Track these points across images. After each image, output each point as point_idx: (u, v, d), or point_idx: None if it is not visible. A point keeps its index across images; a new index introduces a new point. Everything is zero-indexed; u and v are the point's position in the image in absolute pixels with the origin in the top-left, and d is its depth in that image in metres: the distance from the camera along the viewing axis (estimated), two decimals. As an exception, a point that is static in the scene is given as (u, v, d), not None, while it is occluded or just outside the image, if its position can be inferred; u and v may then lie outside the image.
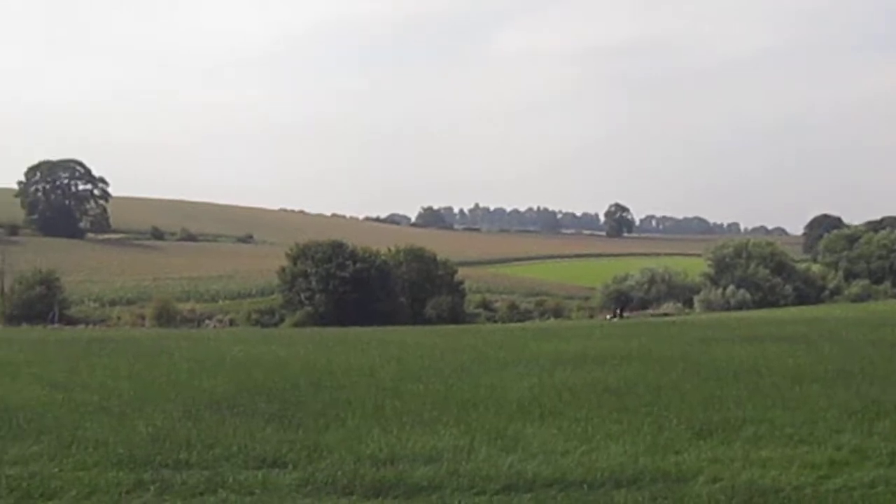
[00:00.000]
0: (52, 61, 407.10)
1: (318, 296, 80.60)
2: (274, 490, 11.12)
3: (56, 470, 11.93)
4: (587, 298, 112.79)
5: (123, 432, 14.65)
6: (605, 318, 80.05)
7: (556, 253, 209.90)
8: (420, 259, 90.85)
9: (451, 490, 11.15)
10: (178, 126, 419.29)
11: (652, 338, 37.26)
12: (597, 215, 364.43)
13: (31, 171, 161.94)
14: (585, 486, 11.31)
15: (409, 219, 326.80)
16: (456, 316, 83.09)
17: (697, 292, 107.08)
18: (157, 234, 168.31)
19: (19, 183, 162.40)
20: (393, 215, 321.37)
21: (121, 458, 12.62)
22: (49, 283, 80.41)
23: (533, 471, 11.91)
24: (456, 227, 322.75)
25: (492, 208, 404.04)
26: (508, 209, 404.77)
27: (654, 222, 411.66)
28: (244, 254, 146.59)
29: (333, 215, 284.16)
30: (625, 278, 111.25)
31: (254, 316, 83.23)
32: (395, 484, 11.33)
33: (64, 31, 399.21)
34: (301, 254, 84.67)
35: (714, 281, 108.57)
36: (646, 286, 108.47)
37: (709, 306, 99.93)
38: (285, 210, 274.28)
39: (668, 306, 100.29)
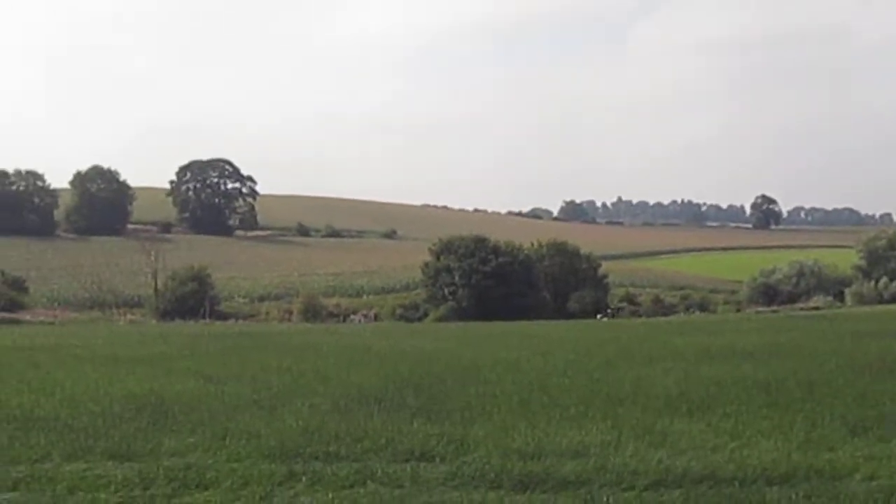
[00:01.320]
0: (205, 62, 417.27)
1: (461, 290, 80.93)
2: (422, 483, 11.17)
3: (210, 461, 12.22)
4: (733, 292, 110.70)
5: (274, 425, 14.93)
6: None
7: (700, 246, 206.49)
8: (563, 253, 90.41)
9: (599, 485, 11.04)
10: (323, 124, 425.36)
11: (802, 332, 36.42)
12: (742, 207, 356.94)
13: (183, 170, 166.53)
14: (737, 482, 11.07)
15: (551, 213, 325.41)
16: (599, 310, 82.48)
17: (849, 285, 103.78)
18: (303, 231, 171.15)
19: (171, 182, 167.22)
20: (535, 209, 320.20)
21: (272, 450, 12.85)
22: (200, 280, 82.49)
23: (683, 467, 11.71)
24: (598, 220, 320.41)
25: (634, 201, 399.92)
26: (651, 202, 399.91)
27: (802, 214, 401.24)
28: (388, 249, 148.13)
29: (476, 210, 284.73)
30: (772, 271, 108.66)
31: (398, 311, 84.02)
32: (542, 478, 11.27)
33: (210, 31, 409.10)
34: (444, 249, 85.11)
35: (866, 273, 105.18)
36: (794, 279, 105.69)
37: (861, 300, 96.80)
38: (428, 206, 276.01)
39: (817, 300, 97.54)
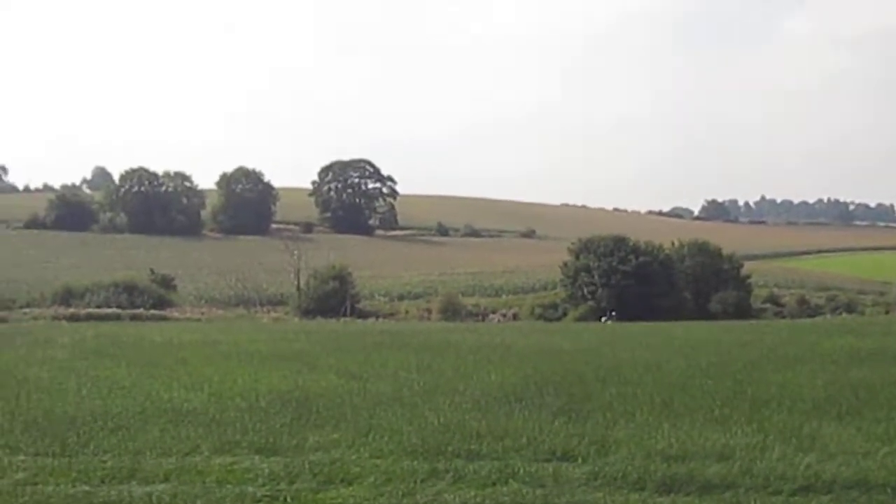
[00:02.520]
0: (348, 64, 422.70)
1: (600, 290, 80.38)
2: (564, 483, 11.13)
3: (354, 457, 12.38)
4: (882, 294, 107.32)
5: (416, 422, 15.04)
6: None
7: (848, 246, 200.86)
8: (704, 253, 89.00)
9: (745, 489, 10.84)
10: (463, 124, 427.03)
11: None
12: (892, 206, 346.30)
13: (324, 171, 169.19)
14: (889, 489, 10.75)
15: (692, 212, 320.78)
16: (742, 311, 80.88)
17: None
18: (443, 231, 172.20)
19: (313, 183, 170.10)
20: (676, 209, 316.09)
21: (415, 447, 12.96)
22: (342, 279, 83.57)
23: (832, 472, 11.41)
24: (741, 219, 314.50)
25: (778, 200, 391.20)
26: (796, 201, 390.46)
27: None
28: (527, 249, 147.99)
29: (615, 209, 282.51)
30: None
31: (537, 310, 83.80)
32: (686, 481, 11.12)
33: (355, 33, 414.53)
34: (583, 248, 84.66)
35: None
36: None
37: None
38: (567, 205, 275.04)
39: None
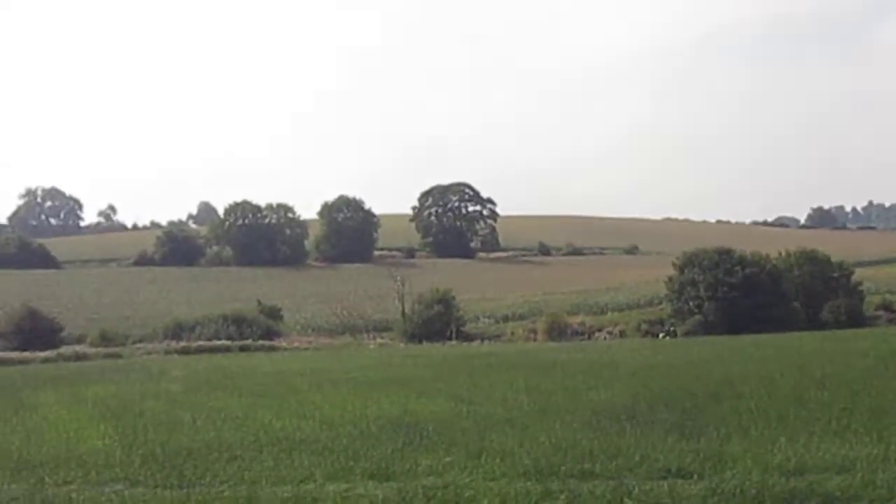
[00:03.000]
0: (445, 88, 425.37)
1: (706, 304, 79.22)
2: (681, 500, 10.97)
3: (468, 480, 12.37)
4: None
5: (528, 443, 14.98)
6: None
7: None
8: (813, 261, 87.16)
9: (868, 501, 10.58)
10: (560, 144, 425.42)
11: None
12: None
13: (424, 196, 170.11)
14: None
15: (798, 221, 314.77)
16: (855, 319, 78.96)
17: None
18: (544, 250, 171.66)
19: (413, 208, 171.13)
20: (781, 218, 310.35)
21: (527, 468, 12.90)
22: (446, 302, 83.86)
23: (959, 481, 11.08)
24: (849, 226, 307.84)
25: (887, 204, 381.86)
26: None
27: None
28: (630, 265, 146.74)
29: (719, 222, 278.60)
30: None
31: (643, 326, 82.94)
32: (806, 495, 10.88)
33: (449, 59, 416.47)
34: (688, 262, 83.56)
35: None
36: None
37: None
38: (670, 219, 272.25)
39: None
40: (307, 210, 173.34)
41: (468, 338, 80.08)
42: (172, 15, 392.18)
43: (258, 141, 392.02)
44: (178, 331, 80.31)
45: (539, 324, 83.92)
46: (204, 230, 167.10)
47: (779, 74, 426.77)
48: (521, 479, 12.33)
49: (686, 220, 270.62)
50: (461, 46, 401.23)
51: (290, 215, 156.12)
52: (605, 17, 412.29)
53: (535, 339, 78.84)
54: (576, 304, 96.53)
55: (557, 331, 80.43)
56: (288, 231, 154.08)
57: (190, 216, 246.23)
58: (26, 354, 71.35)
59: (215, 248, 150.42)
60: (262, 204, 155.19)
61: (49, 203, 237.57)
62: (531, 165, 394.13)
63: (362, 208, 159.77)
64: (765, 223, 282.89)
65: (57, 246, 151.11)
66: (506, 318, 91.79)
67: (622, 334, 79.78)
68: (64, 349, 74.18)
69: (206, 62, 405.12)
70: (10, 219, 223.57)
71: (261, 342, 75.33)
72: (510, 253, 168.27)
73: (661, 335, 73.66)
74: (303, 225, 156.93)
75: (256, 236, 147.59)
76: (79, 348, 75.04)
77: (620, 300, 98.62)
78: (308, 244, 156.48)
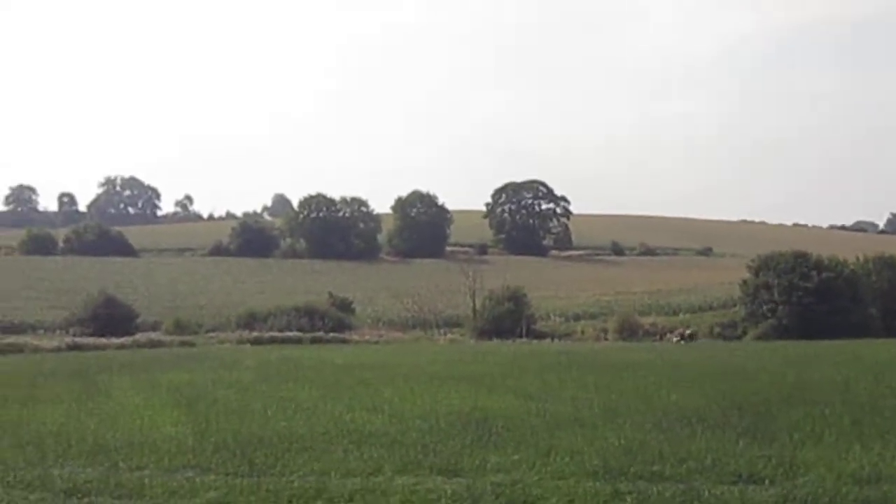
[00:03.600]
0: (517, 84, 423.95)
1: (781, 308, 78.22)
2: (752, 506, 10.87)
3: (536, 478, 12.36)
4: None
5: (597, 443, 14.94)
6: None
7: None
8: (891, 267, 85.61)
9: (945, 512, 10.39)
10: (634, 142, 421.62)
11: None
12: None
13: (498, 192, 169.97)
14: None
15: (877, 226, 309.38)
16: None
17: None
18: (617, 250, 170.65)
19: (486, 204, 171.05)
20: (859, 223, 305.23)
21: (596, 468, 12.86)
22: (517, 299, 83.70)
23: None
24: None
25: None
26: None
27: None
28: (703, 266, 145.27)
29: (795, 225, 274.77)
30: None
31: (715, 329, 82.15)
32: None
33: (523, 53, 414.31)
34: (763, 265, 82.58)
35: None
36: None
37: None
38: (746, 221, 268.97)
39: None
40: (381, 204, 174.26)
41: (538, 335, 79.88)
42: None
43: (335, 134, 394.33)
44: (250, 321, 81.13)
45: (610, 323, 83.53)
46: (278, 222, 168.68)
47: (864, 77, 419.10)
48: (589, 478, 12.29)
49: (762, 223, 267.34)
50: (544, 45, 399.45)
51: (363, 209, 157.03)
52: (686, 13, 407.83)
53: (605, 339, 78.46)
54: (647, 305, 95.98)
55: (628, 331, 79.98)
56: (361, 225, 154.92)
57: (265, 208, 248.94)
58: (102, 340, 72.51)
59: (289, 239, 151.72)
60: (337, 197, 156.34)
61: (127, 192, 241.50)
62: (605, 165, 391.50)
63: (436, 203, 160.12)
64: (842, 228, 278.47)
65: (134, 234, 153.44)
66: (577, 317, 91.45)
67: (693, 336, 79.07)
68: (139, 336, 75.29)
69: (296, 58, 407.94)
70: (90, 207, 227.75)
71: (332, 334, 75.78)
72: (583, 251, 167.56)
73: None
74: (376, 219, 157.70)
75: (330, 229, 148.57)
76: (153, 335, 76.12)
77: (693, 302, 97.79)
78: (381, 238, 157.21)
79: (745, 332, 79.00)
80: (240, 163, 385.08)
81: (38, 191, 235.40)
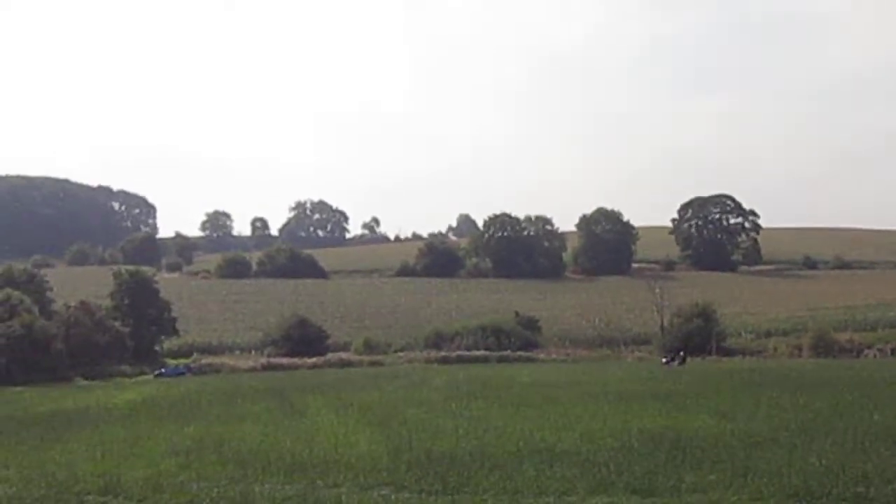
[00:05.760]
0: (706, 99, 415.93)
1: None
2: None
3: (734, 499, 12.12)
4: None
5: (796, 463, 14.52)
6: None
7: None
8: None
9: None
10: (825, 154, 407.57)
11: None
12: None
13: (684, 208, 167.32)
14: None
15: None
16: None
17: None
18: (810, 264, 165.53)
19: (672, 220, 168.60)
20: None
21: (796, 489, 12.51)
22: (706, 316, 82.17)
23: None
24: None
25: None
26: None
27: None
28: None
29: None
30: None
31: (917, 345, 78.96)
32: None
33: (718, 63, 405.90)
34: (967, 278, 79.25)
35: None
36: None
37: None
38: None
39: None
40: (565, 222, 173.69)
41: (728, 353, 78.28)
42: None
43: (517, 153, 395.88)
44: (437, 340, 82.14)
45: (804, 340, 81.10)
46: (463, 242, 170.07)
47: None
48: (789, 500, 11.98)
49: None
50: (726, 51, 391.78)
51: (548, 227, 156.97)
52: (876, 16, 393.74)
53: (798, 356, 76.24)
54: (843, 321, 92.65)
55: (823, 347, 77.48)
56: (546, 243, 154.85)
57: (450, 228, 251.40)
58: (295, 360, 74.66)
59: (474, 259, 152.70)
60: (521, 216, 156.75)
61: (317, 215, 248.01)
62: (796, 175, 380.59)
63: (620, 220, 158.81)
64: None
65: (324, 257, 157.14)
66: (768, 334, 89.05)
67: (893, 352, 76.08)
68: (330, 356, 77.20)
69: (485, 81, 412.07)
70: (281, 230, 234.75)
71: (519, 353, 76.03)
72: (773, 266, 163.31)
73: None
74: (561, 237, 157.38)
75: (515, 248, 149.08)
76: (344, 355, 77.90)
77: (892, 316, 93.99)
78: (566, 256, 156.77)
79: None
80: (425, 187, 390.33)
81: (233, 216, 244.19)
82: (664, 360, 63.64)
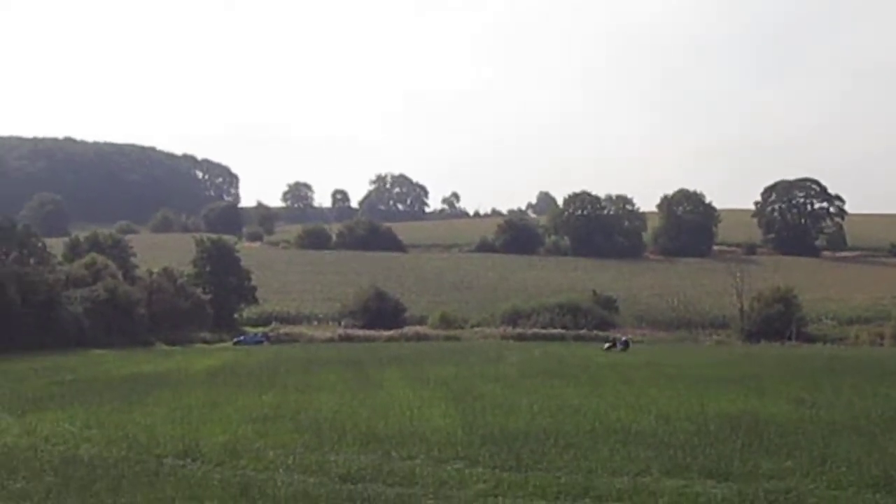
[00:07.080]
0: (783, 82, 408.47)
1: None
2: None
3: (811, 486, 11.92)
4: None
5: (876, 453, 14.28)
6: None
7: None
8: None
9: None
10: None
11: None
12: None
13: (767, 191, 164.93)
14: None
15: None
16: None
17: None
18: (895, 251, 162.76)
19: (755, 203, 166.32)
20: None
21: (876, 479, 12.28)
22: (787, 301, 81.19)
23: None
24: None
25: None
26: None
27: None
28: None
29: None
30: None
31: None
32: None
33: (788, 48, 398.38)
34: None
35: None
36: None
37: None
38: None
39: None
40: (646, 202, 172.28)
41: (809, 339, 77.34)
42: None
43: (596, 129, 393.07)
44: (514, 317, 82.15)
45: (887, 328, 79.74)
46: (543, 219, 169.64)
47: None
48: (869, 490, 11.76)
49: None
50: (803, 40, 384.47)
51: (628, 207, 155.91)
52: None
53: (881, 344, 75.02)
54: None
55: (908, 336, 76.14)
56: (626, 223, 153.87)
57: (529, 205, 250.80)
58: (372, 332, 75.19)
59: (553, 237, 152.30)
60: (601, 195, 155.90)
61: (397, 189, 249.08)
62: (886, 161, 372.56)
63: (703, 202, 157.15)
64: None
65: (403, 230, 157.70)
66: (850, 321, 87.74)
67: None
68: (406, 329, 77.61)
69: (561, 57, 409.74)
70: (361, 203, 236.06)
71: (595, 332, 75.75)
72: (858, 252, 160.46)
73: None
74: (641, 217, 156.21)
75: (594, 227, 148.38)
76: (420, 329, 78.28)
77: None
78: (646, 237, 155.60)
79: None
80: (505, 162, 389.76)
81: (314, 188, 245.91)
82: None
